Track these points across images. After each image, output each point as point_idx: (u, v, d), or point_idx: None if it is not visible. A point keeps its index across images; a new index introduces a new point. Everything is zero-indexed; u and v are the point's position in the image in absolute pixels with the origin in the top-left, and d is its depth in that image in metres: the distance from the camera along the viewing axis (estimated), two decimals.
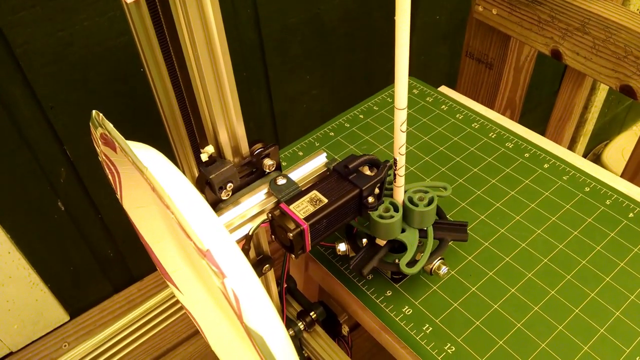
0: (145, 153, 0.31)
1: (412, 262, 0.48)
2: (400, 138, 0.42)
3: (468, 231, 0.52)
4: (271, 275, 0.48)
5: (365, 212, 0.45)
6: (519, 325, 0.48)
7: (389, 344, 0.51)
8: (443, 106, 0.70)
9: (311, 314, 0.55)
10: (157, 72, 0.37)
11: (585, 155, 1.48)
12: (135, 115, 0.69)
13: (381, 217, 0.46)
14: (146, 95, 0.67)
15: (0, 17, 0.54)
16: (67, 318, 0.81)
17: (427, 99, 0.72)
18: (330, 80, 0.87)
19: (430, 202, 0.48)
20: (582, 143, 1.32)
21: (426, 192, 0.49)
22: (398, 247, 0.50)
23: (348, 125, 0.69)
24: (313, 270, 0.59)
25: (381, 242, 0.49)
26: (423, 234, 0.49)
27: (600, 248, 0.53)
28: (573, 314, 0.49)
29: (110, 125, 0.31)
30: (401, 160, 0.44)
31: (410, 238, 0.48)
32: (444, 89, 0.74)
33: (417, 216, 0.48)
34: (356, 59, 0.88)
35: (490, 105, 0.88)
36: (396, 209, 0.47)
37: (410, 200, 0.48)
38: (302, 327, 0.55)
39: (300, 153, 0.66)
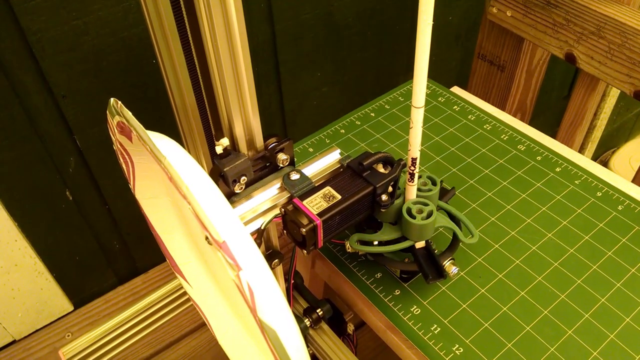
0: (163, 143, 0.30)
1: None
2: (416, 136, 0.42)
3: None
4: (279, 270, 0.48)
5: (378, 210, 0.45)
6: (528, 328, 0.48)
7: (394, 344, 0.51)
8: (455, 107, 0.70)
9: (318, 310, 0.55)
10: (170, 63, 0.36)
11: None
12: (146, 107, 0.69)
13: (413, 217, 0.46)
14: (158, 87, 0.67)
15: (16, 4, 0.54)
16: (71, 308, 0.81)
17: (440, 99, 0.71)
18: (342, 77, 0.86)
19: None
20: (590, 150, 1.32)
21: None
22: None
23: (359, 123, 0.69)
24: (320, 267, 0.58)
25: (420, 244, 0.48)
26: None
27: (611, 253, 0.53)
28: (583, 318, 0.48)
29: (129, 114, 0.31)
30: (416, 158, 0.44)
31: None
32: (456, 89, 0.74)
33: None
34: (368, 57, 0.87)
35: (501, 108, 0.88)
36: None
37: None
38: (308, 323, 0.55)
39: (311, 150, 0.65)
